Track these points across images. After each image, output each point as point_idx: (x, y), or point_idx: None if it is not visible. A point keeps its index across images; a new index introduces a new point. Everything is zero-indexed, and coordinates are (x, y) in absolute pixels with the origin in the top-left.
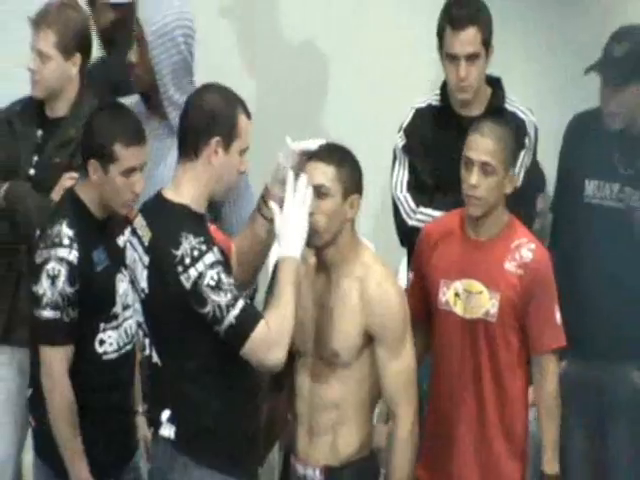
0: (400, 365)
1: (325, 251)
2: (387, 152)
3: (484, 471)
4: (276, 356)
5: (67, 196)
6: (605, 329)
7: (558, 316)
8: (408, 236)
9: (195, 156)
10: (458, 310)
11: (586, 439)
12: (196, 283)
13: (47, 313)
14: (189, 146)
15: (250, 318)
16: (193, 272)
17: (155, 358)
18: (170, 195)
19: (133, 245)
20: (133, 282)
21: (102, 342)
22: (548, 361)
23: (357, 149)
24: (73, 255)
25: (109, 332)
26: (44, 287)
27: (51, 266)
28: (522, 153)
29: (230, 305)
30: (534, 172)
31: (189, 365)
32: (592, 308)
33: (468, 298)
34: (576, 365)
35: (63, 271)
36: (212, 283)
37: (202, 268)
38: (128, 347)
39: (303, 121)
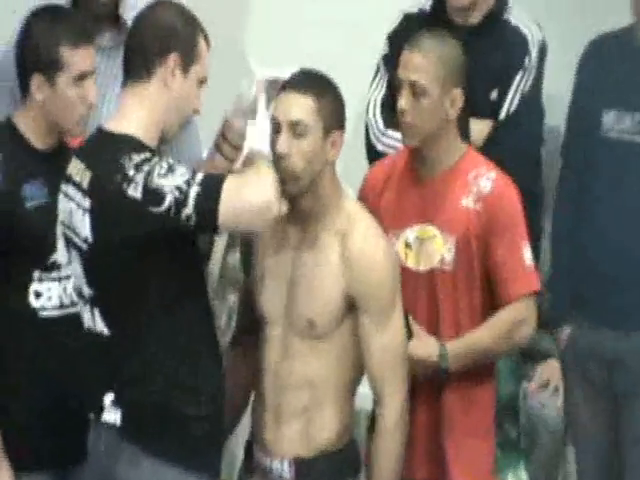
0: (387, 339)
1: (301, 200)
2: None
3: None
4: (267, 191)
5: (2, 124)
6: (623, 292)
7: (528, 256)
8: None
9: (147, 76)
10: (410, 263)
11: (594, 418)
12: (146, 183)
13: None
14: (140, 65)
15: (216, 177)
16: (140, 176)
17: (100, 326)
18: (113, 127)
19: (68, 195)
20: (68, 240)
21: (38, 295)
22: (520, 309)
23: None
24: None
25: (48, 284)
26: None
27: None
28: (518, 76)
29: (190, 178)
30: (532, 104)
31: (143, 329)
32: (610, 267)
33: (420, 247)
34: (585, 333)
35: None
36: (163, 171)
37: (148, 167)
38: (76, 309)
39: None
